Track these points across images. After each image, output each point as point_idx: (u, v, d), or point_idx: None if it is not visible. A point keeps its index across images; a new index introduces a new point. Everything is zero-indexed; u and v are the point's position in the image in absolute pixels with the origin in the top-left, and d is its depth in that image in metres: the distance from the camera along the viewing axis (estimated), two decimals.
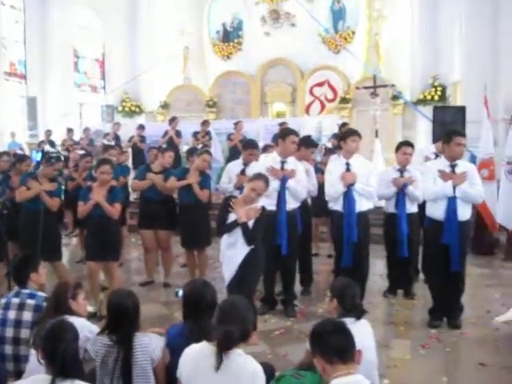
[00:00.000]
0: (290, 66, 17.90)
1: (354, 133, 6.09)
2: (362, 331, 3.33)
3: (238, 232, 4.97)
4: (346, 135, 6.17)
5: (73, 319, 3.25)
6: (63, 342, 2.60)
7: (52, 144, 13.91)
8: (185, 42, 18.53)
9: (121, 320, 3.27)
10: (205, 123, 13.27)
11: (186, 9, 18.44)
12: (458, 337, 5.28)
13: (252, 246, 4.99)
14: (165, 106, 18.47)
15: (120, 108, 18.75)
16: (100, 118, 18.62)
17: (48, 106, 17.08)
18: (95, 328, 3.59)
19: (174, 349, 3.21)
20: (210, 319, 2.98)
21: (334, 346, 2.48)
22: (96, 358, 3.28)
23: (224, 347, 2.76)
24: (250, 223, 4.97)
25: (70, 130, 14.54)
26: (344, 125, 11.33)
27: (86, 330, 3.48)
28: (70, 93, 17.96)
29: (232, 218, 5.02)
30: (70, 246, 9.90)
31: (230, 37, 18.87)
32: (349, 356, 2.48)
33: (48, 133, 14.52)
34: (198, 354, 2.86)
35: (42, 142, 14.18)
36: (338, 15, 17.42)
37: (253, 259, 5.02)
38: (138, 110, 18.81)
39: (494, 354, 4.86)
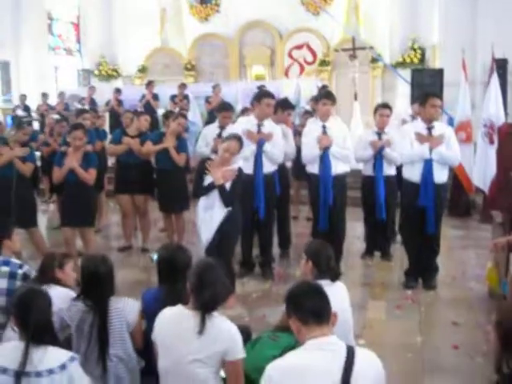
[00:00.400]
0: (268, 28, 17.65)
1: (324, 96, 6.05)
2: (337, 293, 3.35)
3: (215, 194, 4.96)
4: (317, 98, 6.14)
5: (57, 289, 3.24)
6: (34, 309, 2.58)
7: (27, 109, 13.68)
8: (162, 3, 18.14)
9: (95, 285, 3.24)
10: (182, 86, 13.13)
11: None
12: (432, 297, 5.38)
13: (229, 208, 4.97)
14: (142, 69, 18.16)
15: (96, 72, 18.40)
16: (76, 83, 18.27)
17: (22, 70, 16.67)
18: None
19: (150, 313, 3.21)
20: (185, 283, 2.96)
21: (310, 307, 2.48)
22: (71, 323, 3.27)
23: (209, 309, 2.77)
24: (227, 185, 4.96)
25: (44, 95, 14.31)
26: (324, 87, 11.27)
27: (69, 301, 3.45)
28: (44, 56, 17.54)
29: (209, 180, 5.00)
30: (48, 212, 9.81)
31: None
32: (324, 318, 2.48)
33: (22, 98, 14.24)
34: (173, 318, 2.86)
35: (17, 106, 13.91)
36: None
37: (230, 221, 5.02)
38: (115, 73, 18.47)
39: (468, 313, 4.97)
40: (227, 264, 4.86)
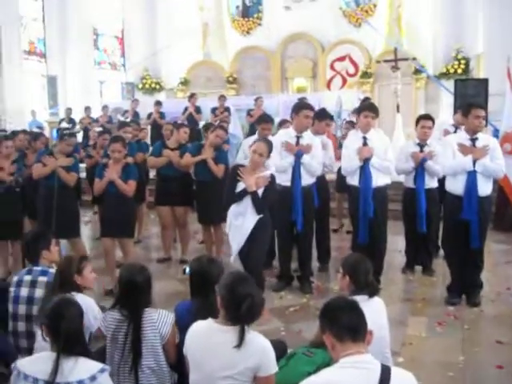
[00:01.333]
0: (310, 40, 17.67)
1: (366, 108, 5.95)
2: (374, 309, 3.27)
3: (248, 201, 4.93)
4: (359, 110, 6.05)
5: (79, 297, 3.22)
6: (66, 319, 2.58)
7: (72, 122, 13.98)
8: (204, 17, 18.42)
9: (131, 294, 3.23)
10: (222, 98, 13.22)
11: None
12: (476, 314, 5.19)
13: (261, 215, 4.93)
14: (185, 82, 18.42)
15: (140, 85, 18.75)
16: (120, 96, 18.64)
17: (68, 84, 17.16)
18: (99, 312, 3.57)
19: (182, 326, 3.18)
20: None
21: (345, 323, 2.42)
22: (107, 333, 3.27)
23: (249, 321, 2.74)
24: (260, 192, 4.92)
25: (87, 108, 14.58)
26: (366, 99, 11.15)
27: (91, 313, 3.44)
28: (90, 71, 18.04)
29: (241, 187, 4.97)
30: (92, 222, 9.94)
31: (249, 12, 18.68)
32: (360, 335, 2.42)
33: (68, 111, 14.57)
34: (204, 332, 2.82)
35: (62, 120, 14.24)
36: None
37: (262, 228, 4.98)
38: (158, 86, 18.80)
39: None
40: (257, 272, 4.82)
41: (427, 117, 6.60)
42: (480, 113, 5.29)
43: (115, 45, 19.47)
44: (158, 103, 13.92)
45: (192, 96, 13.66)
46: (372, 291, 3.44)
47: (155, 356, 3.22)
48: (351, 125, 8.62)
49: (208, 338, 2.78)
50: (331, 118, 6.91)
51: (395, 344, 4.09)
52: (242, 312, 2.70)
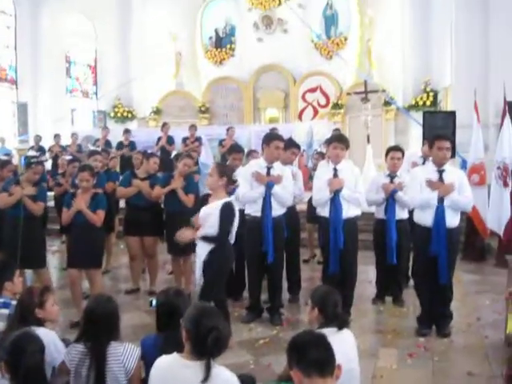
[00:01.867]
0: (282, 71, 17.88)
1: (335, 139, 6.00)
2: (343, 342, 3.23)
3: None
4: (329, 141, 6.11)
5: (40, 332, 3.11)
6: (27, 354, 2.50)
7: (41, 149, 13.79)
8: (177, 47, 18.51)
9: (96, 327, 3.13)
10: (192, 128, 13.24)
11: (178, 14, 18.35)
12: (446, 345, 5.17)
13: (213, 245, 4.87)
14: (157, 111, 18.41)
15: (112, 114, 18.66)
16: (92, 124, 18.53)
17: (39, 111, 16.99)
18: (62, 347, 3.44)
19: (149, 360, 3.10)
20: None
21: (313, 359, 2.37)
22: (70, 367, 3.16)
23: (215, 354, 2.66)
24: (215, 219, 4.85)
25: (56, 136, 14.43)
26: (335, 130, 11.28)
27: (53, 347, 3.31)
28: (61, 98, 17.90)
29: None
30: (59, 252, 9.75)
31: (222, 42, 18.86)
32: (328, 370, 2.38)
33: (37, 138, 14.39)
34: (169, 367, 2.74)
35: (31, 147, 14.06)
36: (330, 21, 17.45)
37: (215, 259, 4.88)
38: (130, 115, 18.72)
39: (483, 363, 4.76)
40: (220, 304, 4.69)
41: (396, 148, 6.69)
42: (443, 144, 5.35)
43: (87, 73, 19.41)
44: (127, 131, 13.89)
45: (164, 125, 13.66)
46: (341, 323, 3.40)
47: None
48: (321, 156, 8.69)
49: (173, 373, 2.70)
50: (297, 146, 6.87)
51: (366, 377, 4.05)
52: (207, 345, 2.62)
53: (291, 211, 6.38)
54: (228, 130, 12.95)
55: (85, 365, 3.10)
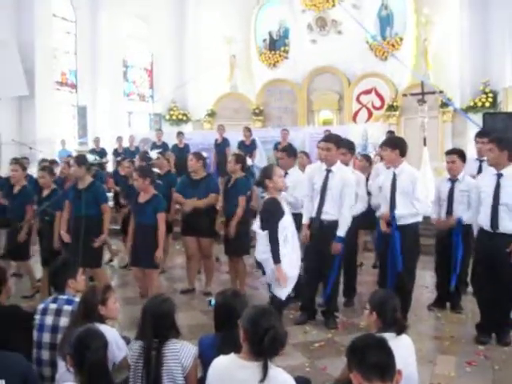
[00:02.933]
0: (336, 73, 17.77)
1: (384, 143, 5.97)
2: (402, 347, 3.19)
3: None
4: (381, 145, 6.09)
5: (102, 328, 3.21)
6: (91, 350, 2.58)
7: (103, 151, 14.03)
8: (232, 50, 18.63)
9: (153, 325, 3.22)
10: (246, 130, 13.32)
11: (232, 17, 18.52)
12: (507, 354, 5.03)
13: None
14: (211, 114, 18.59)
15: (167, 116, 18.98)
16: (148, 127, 18.90)
17: (97, 114, 17.44)
18: (123, 343, 3.55)
19: (206, 360, 3.15)
20: None
21: (373, 363, 2.35)
22: (131, 362, 3.26)
23: (273, 353, 2.68)
24: None
25: (119, 138, 14.61)
26: (390, 133, 11.12)
27: (115, 344, 3.40)
28: (119, 102, 18.31)
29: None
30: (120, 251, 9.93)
31: (276, 45, 18.88)
32: (389, 375, 2.35)
33: (97, 140, 14.60)
34: (227, 367, 2.78)
35: (93, 150, 14.30)
36: (385, 21, 17.19)
37: None
38: (184, 118, 18.99)
39: None
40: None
41: (449, 151, 6.51)
42: (482, 140, 5.23)
43: (144, 77, 19.82)
44: (180, 134, 13.93)
45: (220, 127, 13.71)
46: (400, 328, 3.37)
47: None
48: (366, 158, 8.52)
49: (231, 373, 2.74)
50: (348, 147, 6.73)
51: (423, 383, 3.99)
52: (264, 345, 2.65)
53: None
54: (282, 131, 12.93)
55: (143, 361, 3.18)
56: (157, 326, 3.22)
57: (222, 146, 13.33)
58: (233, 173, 6.83)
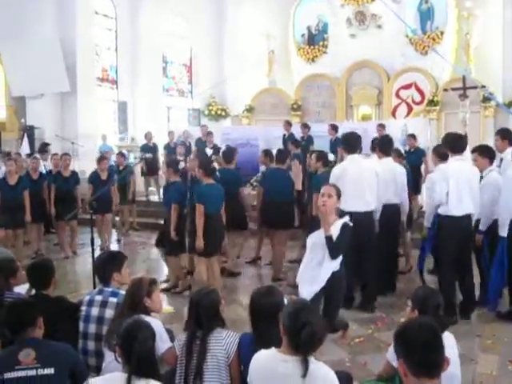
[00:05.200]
0: (375, 68, 17.60)
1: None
2: (445, 345, 3.17)
3: (325, 250, 4.71)
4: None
5: (148, 320, 3.29)
6: (139, 341, 2.64)
7: (155, 146, 13.95)
8: (270, 45, 18.61)
9: (199, 315, 3.31)
10: (286, 124, 13.04)
11: (271, 13, 18.48)
12: None
13: (337, 269, 4.76)
14: (250, 109, 18.62)
15: (206, 111, 19.11)
16: (187, 122, 19.05)
17: (137, 110, 17.68)
18: (166, 336, 3.63)
19: (244, 358, 3.18)
20: (278, 326, 2.86)
21: (424, 359, 2.24)
22: (178, 353, 3.34)
23: (310, 349, 2.67)
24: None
25: (170, 133, 14.41)
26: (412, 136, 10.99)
27: (158, 336, 3.39)
28: (158, 97, 18.51)
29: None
30: None
31: (315, 40, 18.78)
32: (437, 372, 2.27)
33: (149, 135, 14.05)
34: (268, 362, 2.80)
35: (146, 145, 13.94)
36: (425, 15, 16.91)
37: (337, 286, 4.83)
38: (223, 113, 19.09)
39: None
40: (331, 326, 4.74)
41: (472, 150, 6.46)
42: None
43: (183, 72, 19.99)
44: (210, 134, 13.44)
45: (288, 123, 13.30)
46: (442, 326, 3.34)
47: (219, 373, 3.24)
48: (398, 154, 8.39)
49: (272, 367, 2.75)
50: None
51: (464, 382, 3.94)
52: (301, 340, 2.65)
53: None
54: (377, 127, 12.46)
55: (189, 347, 3.27)
56: (201, 316, 3.30)
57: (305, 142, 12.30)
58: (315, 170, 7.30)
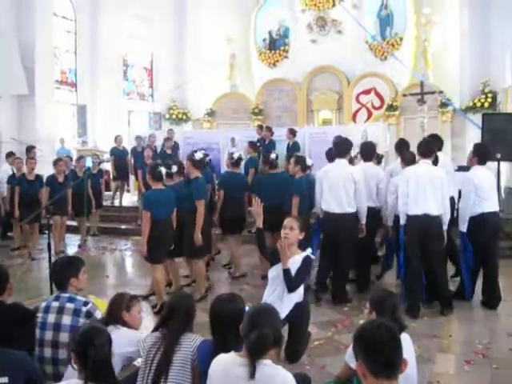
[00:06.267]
0: (336, 73, 17.79)
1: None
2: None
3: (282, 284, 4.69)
4: None
5: (123, 330, 3.27)
6: (94, 346, 2.61)
7: (124, 150, 13.60)
8: (231, 49, 18.64)
9: (173, 318, 3.35)
10: (259, 128, 12.93)
11: (232, 17, 18.52)
12: (505, 353, 5.06)
13: (300, 300, 4.76)
14: (211, 113, 18.59)
15: (167, 115, 19.00)
16: (147, 126, 18.91)
17: (97, 113, 17.46)
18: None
19: (202, 363, 3.15)
20: (236, 334, 2.88)
21: (384, 360, 2.26)
22: (143, 353, 3.33)
23: (257, 352, 2.67)
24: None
25: (138, 137, 13.53)
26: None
27: (134, 344, 3.47)
28: (118, 100, 18.34)
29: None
30: None
31: (276, 44, 18.89)
32: (396, 372, 2.29)
33: (119, 138, 13.60)
34: (225, 365, 2.80)
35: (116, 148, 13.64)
36: (385, 21, 17.20)
37: (302, 316, 4.84)
38: (184, 117, 19.00)
39: None
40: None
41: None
42: None
43: (144, 76, 19.84)
44: (168, 139, 13.23)
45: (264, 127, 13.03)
46: (399, 327, 3.38)
47: (182, 372, 3.23)
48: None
49: (229, 370, 2.75)
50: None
51: (421, 382, 4.01)
52: (249, 342, 2.68)
53: None
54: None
55: (156, 346, 3.28)
56: (173, 319, 3.35)
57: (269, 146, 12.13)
58: (293, 174, 7.39)
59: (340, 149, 6.75)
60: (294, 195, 7.03)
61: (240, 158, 8.18)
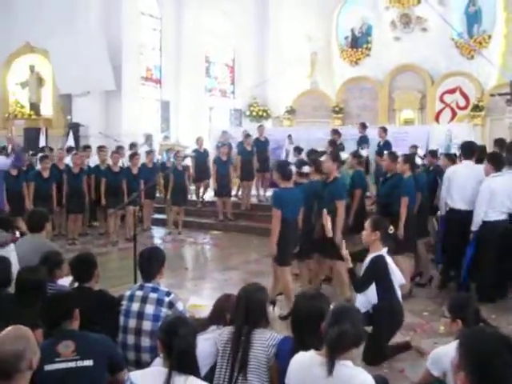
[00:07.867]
0: (419, 72, 17.38)
1: None
2: None
3: None
4: None
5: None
6: (178, 336, 2.67)
7: (205, 152, 13.48)
8: (313, 47, 18.59)
9: (246, 312, 3.31)
10: (334, 132, 12.26)
11: (314, 14, 18.44)
12: None
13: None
14: (291, 111, 18.61)
15: (248, 112, 19.17)
16: (228, 122, 19.15)
17: (180, 109, 17.86)
18: None
19: (282, 362, 3.13)
20: (317, 332, 2.86)
21: (497, 377, 2.00)
22: (219, 346, 3.34)
23: (336, 348, 2.64)
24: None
25: (224, 132, 13.80)
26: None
27: None
28: (200, 97, 18.64)
29: None
30: None
31: (358, 42, 18.68)
32: None
33: (200, 140, 13.33)
34: (305, 364, 2.79)
35: (197, 150, 13.35)
36: (472, 18, 16.63)
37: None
38: (265, 114, 19.12)
39: None
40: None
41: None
42: None
43: (226, 73, 20.11)
44: (261, 126, 13.47)
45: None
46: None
47: (258, 370, 3.21)
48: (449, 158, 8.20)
49: (308, 369, 2.74)
50: None
51: None
52: (331, 337, 2.65)
53: None
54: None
55: (231, 346, 3.27)
56: (249, 312, 3.31)
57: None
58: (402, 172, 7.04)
59: (466, 151, 7.00)
60: (402, 196, 6.68)
61: None
